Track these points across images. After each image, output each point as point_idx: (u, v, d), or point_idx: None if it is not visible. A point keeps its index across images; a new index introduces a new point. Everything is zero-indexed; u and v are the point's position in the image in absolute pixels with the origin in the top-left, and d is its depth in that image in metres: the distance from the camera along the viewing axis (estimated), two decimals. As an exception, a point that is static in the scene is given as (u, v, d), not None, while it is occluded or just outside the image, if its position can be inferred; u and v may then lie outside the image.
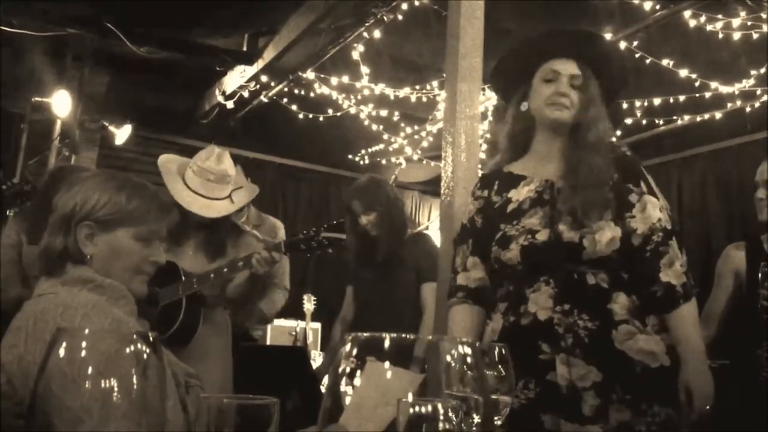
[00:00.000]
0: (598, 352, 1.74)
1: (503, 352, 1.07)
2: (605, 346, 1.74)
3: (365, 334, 0.59)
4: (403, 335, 0.58)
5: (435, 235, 4.67)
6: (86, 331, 0.63)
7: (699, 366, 1.77)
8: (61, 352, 0.61)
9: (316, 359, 5.07)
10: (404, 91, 5.61)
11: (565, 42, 2.02)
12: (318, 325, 5.66)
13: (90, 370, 0.61)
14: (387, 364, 0.58)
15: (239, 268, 2.57)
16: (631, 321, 1.77)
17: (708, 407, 1.75)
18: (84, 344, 0.61)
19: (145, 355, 0.62)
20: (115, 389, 0.61)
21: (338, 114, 5.95)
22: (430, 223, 7.66)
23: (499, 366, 1.05)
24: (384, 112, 6.02)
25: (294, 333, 5.67)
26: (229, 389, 2.61)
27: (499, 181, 2.02)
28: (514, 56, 2.12)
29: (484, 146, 4.77)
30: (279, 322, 5.75)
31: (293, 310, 5.60)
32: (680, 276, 1.82)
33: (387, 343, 0.58)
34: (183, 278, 2.61)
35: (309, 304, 5.46)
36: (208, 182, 2.74)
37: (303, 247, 2.57)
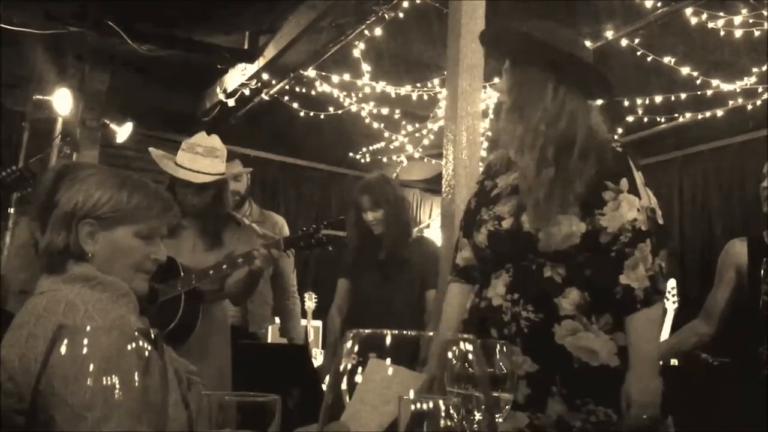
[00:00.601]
0: (535, 344, 1.78)
1: (504, 348, 1.07)
2: (544, 339, 1.77)
3: (366, 331, 0.58)
4: (405, 332, 0.58)
5: (435, 234, 4.67)
6: (88, 328, 0.63)
7: (643, 374, 1.75)
8: (63, 349, 0.61)
9: (317, 357, 5.07)
10: (405, 89, 5.61)
11: (502, 41, 2.10)
12: (319, 323, 5.65)
13: (92, 367, 0.61)
14: (388, 361, 0.58)
15: (239, 264, 2.56)
16: (578, 317, 1.77)
17: (645, 416, 1.74)
18: (86, 341, 0.61)
19: (146, 353, 0.62)
20: (117, 386, 0.61)
21: (339, 112, 5.95)
22: (432, 221, 7.66)
23: (501, 362, 1.05)
24: (385, 110, 6.02)
25: (295, 331, 5.66)
26: (227, 386, 2.60)
27: (498, 166, 2.07)
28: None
29: (485, 144, 4.77)
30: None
31: (294, 308, 5.61)
32: (643, 280, 1.78)
33: (388, 340, 0.58)
34: (182, 274, 2.60)
35: (310, 302, 5.46)
36: (196, 155, 2.75)
37: (302, 244, 2.57)
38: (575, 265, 1.82)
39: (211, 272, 2.57)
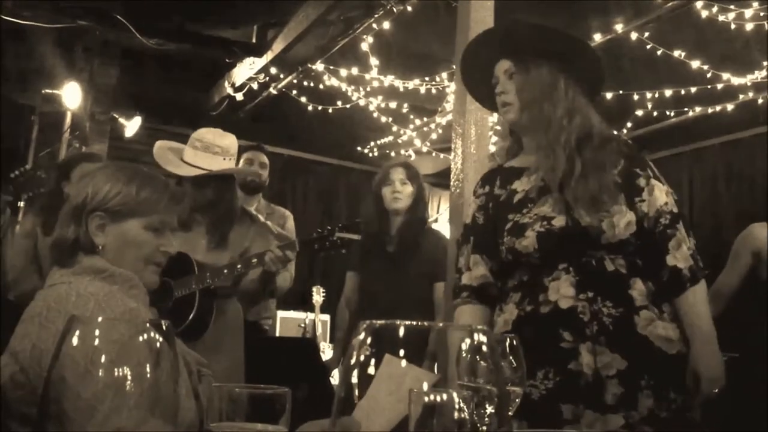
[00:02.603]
0: (622, 339, 1.73)
1: (514, 342, 1.07)
2: (630, 333, 1.73)
3: (379, 322, 0.58)
4: (418, 323, 0.58)
5: (443, 228, 4.67)
6: (99, 319, 0.63)
7: (707, 349, 1.76)
8: (74, 340, 0.61)
9: (326, 351, 5.08)
10: (413, 83, 5.59)
11: (494, 43, 2.03)
12: (327, 317, 5.66)
13: (103, 358, 0.61)
14: (404, 362, 0.58)
15: (253, 264, 2.58)
16: (650, 307, 1.76)
17: (716, 390, 1.75)
18: (97, 332, 0.61)
19: (157, 344, 0.62)
20: (128, 378, 0.61)
21: (347, 106, 5.95)
22: (440, 216, 7.65)
23: (511, 356, 1.05)
24: (393, 104, 6.01)
25: (303, 325, 5.68)
26: (240, 383, 2.61)
27: (501, 177, 2.02)
28: (471, 66, 2.13)
29: (494, 138, 4.75)
30: (288, 314, 5.77)
31: (303, 302, 5.62)
32: (687, 259, 1.80)
33: (402, 332, 0.58)
34: (196, 271, 2.61)
35: (318, 296, 5.47)
36: (197, 150, 2.73)
37: (317, 246, 2.58)
38: (630, 254, 1.81)
39: (225, 271, 2.58)
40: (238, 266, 2.58)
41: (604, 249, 1.78)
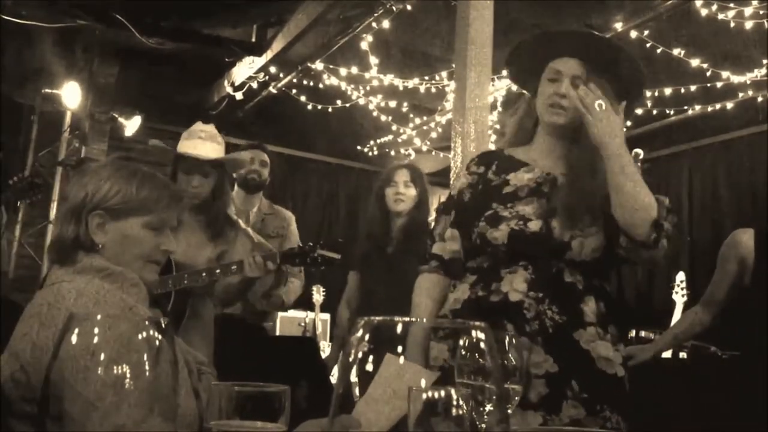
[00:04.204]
0: (559, 345, 1.76)
1: (514, 341, 1.07)
2: (569, 342, 1.77)
3: (377, 318, 0.58)
4: (415, 319, 0.58)
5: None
6: (99, 316, 0.63)
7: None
8: (74, 338, 0.61)
9: (326, 350, 5.09)
10: (413, 82, 5.60)
11: (571, 41, 2.00)
12: (327, 316, 5.67)
13: (102, 356, 0.61)
14: (400, 349, 0.58)
15: (231, 272, 2.59)
16: (596, 326, 1.80)
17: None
18: (96, 330, 0.61)
19: (157, 342, 0.62)
20: (128, 375, 0.61)
21: (347, 105, 5.95)
22: (439, 214, 7.65)
23: (509, 354, 1.05)
24: (393, 103, 6.02)
25: (303, 324, 5.69)
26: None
27: (499, 162, 2.02)
28: (524, 51, 2.11)
29: (494, 137, 4.75)
30: (289, 313, 5.77)
31: (303, 302, 5.62)
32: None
33: (399, 328, 0.58)
34: (174, 271, 2.61)
35: (318, 295, 5.47)
36: (197, 140, 2.79)
37: (297, 260, 2.61)
38: (590, 274, 1.84)
39: (203, 275, 2.58)
40: (217, 271, 2.59)
41: (565, 262, 1.82)
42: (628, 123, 5.68)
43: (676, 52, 4.71)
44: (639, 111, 5.54)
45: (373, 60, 5.21)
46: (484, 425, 0.64)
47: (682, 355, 3.76)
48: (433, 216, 2.74)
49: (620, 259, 1.87)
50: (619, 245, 1.80)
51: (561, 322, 1.77)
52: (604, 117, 1.76)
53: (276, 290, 3.35)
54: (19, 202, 3.95)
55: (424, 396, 0.57)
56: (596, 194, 1.83)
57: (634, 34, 4.54)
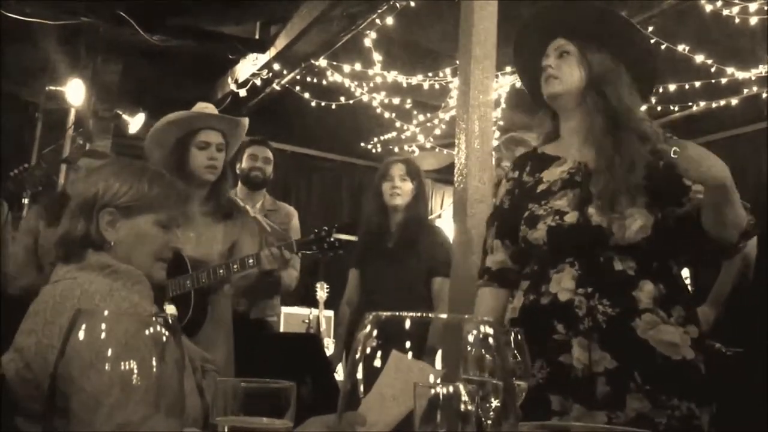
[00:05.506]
0: (615, 339, 1.70)
1: (519, 337, 1.07)
2: (624, 334, 1.70)
3: (385, 314, 0.58)
4: (423, 314, 0.58)
5: (447, 224, 4.66)
6: (105, 313, 0.62)
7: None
8: (81, 334, 0.61)
9: (330, 346, 5.09)
10: (417, 79, 5.59)
11: (547, 24, 2.01)
12: (331, 313, 5.67)
13: (109, 352, 0.60)
14: (410, 357, 0.58)
15: (249, 266, 2.57)
16: (655, 310, 1.72)
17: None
18: (103, 326, 0.61)
19: (163, 338, 0.62)
20: (134, 372, 0.60)
21: (351, 102, 5.94)
22: (443, 211, 7.65)
23: (515, 350, 1.05)
24: (396, 100, 6.01)
25: (307, 321, 5.69)
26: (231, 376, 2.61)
27: (532, 162, 2.00)
28: (520, 43, 2.11)
29: (497, 133, 4.74)
30: (293, 309, 5.77)
31: (306, 298, 5.62)
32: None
33: (407, 324, 0.57)
34: (190, 270, 2.59)
35: (322, 292, 5.47)
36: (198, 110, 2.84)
37: (315, 247, 2.59)
38: (643, 257, 1.77)
39: (221, 271, 2.57)
40: (234, 266, 2.58)
41: (613, 249, 1.75)
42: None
43: (680, 48, 4.70)
44: (643, 107, 5.52)
45: (377, 57, 5.21)
46: (490, 421, 0.64)
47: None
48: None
49: (688, 244, 1.81)
50: (700, 245, 1.78)
51: (614, 314, 1.71)
52: (702, 156, 1.72)
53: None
54: (23, 198, 3.95)
55: (431, 392, 0.57)
56: (631, 174, 1.77)
57: (638, 30, 4.53)
